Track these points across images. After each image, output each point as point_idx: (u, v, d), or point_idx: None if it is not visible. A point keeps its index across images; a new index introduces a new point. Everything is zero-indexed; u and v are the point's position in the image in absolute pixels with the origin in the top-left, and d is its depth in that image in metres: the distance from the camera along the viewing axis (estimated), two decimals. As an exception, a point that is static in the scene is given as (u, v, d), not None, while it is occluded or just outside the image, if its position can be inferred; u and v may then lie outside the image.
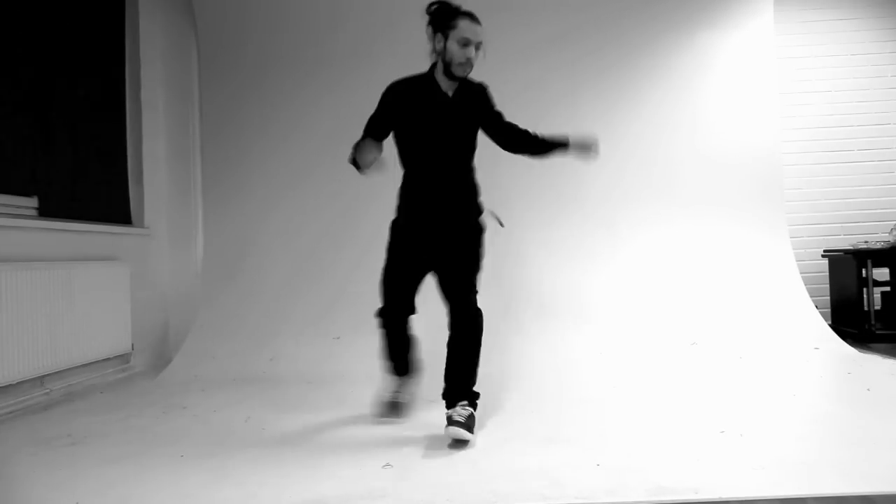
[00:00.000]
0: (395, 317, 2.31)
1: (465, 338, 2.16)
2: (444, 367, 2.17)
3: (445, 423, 2.05)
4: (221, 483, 1.74)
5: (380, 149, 2.13)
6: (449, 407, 2.11)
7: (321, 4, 4.10)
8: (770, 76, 4.13)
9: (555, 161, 4.34)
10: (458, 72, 2.14)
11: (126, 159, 3.65)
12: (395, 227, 2.32)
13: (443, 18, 2.14)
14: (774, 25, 4.18)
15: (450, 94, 2.20)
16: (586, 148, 2.30)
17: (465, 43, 2.10)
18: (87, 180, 3.29)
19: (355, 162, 2.13)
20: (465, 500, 1.57)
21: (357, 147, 2.12)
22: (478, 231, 2.28)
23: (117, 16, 3.62)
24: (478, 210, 2.30)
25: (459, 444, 2.01)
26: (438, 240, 2.22)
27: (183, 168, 4.12)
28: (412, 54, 4.10)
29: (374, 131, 2.19)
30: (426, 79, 2.21)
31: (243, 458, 1.96)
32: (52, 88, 3.05)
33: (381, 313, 2.32)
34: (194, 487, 1.71)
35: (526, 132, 2.32)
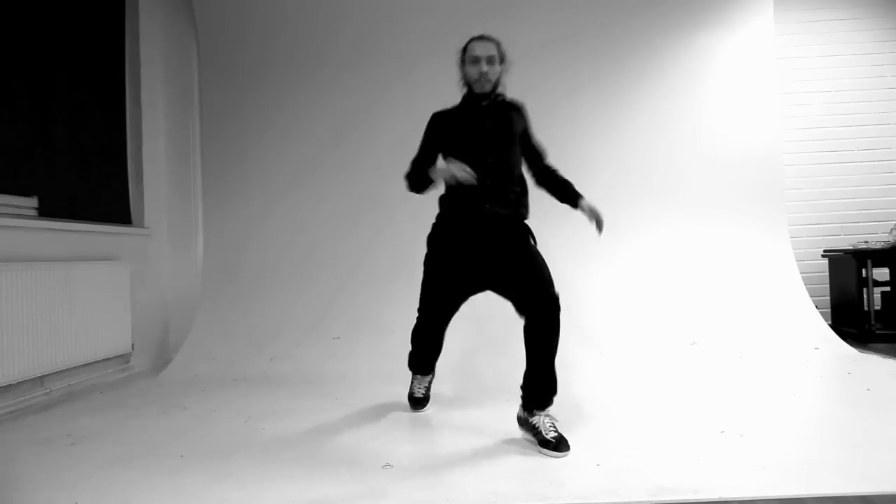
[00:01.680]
0: (435, 329, 2.43)
1: (550, 337, 2.08)
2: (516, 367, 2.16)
3: (531, 430, 2.01)
4: (221, 483, 1.74)
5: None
6: (532, 411, 2.05)
7: (321, 4, 4.10)
8: (770, 76, 4.13)
9: (555, 161, 4.33)
10: (477, 88, 2.22)
11: (126, 159, 3.65)
12: (434, 240, 2.32)
13: (461, 53, 2.27)
14: (774, 25, 4.19)
15: (483, 104, 2.25)
16: (594, 219, 2.33)
17: (475, 60, 2.20)
18: (87, 180, 3.29)
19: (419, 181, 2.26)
20: (465, 500, 1.58)
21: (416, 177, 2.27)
22: (527, 233, 2.28)
23: (117, 16, 3.62)
24: (521, 216, 2.28)
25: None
26: (490, 250, 2.20)
27: (183, 168, 4.12)
28: (413, 54, 4.12)
29: (423, 163, 2.27)
30: (461, 101, 2.30)
31: (243, 458, 1.96)
32: (52, 88, 3.06)
33: (420, 326, 2.44)
34: (194, 488, 1.71)
35: (551, 169, 2.40)
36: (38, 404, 2.75)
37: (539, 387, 2.08)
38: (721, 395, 2.66)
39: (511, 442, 2.05)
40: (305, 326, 3.68)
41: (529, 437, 2.04)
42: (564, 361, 3.29)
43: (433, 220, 2.34)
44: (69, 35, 3.20)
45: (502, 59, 2.26)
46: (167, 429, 2.34)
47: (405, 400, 2.67)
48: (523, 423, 2.09)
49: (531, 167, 2.37)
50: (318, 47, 4.10)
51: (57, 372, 2.89)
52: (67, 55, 3.18)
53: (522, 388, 2.13)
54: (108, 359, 3.28)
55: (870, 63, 4.46)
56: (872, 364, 3.22)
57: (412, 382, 2.60)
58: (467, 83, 2.25)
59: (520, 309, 2.12)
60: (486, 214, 2.18)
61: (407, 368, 2.63)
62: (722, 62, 4.13)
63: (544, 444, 1.94)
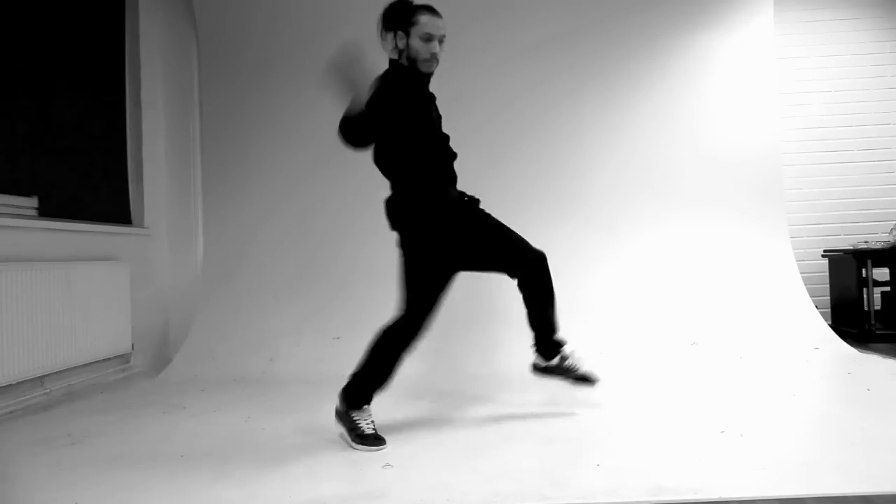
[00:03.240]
0: (421, 335, 2.08)
1: (547, 283, 2.28)
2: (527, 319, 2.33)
3: (569, 371, 2.32)
4: (221, 483, 1.74)
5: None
6: (557, 350, 2.32)
7: (322, 4, 4.09)
8: (770, 76, 4.13)
9: (555, 161, 4.35)
10: (424, 68, 2.09)
11: (126, 159, 3.65)
12: (429, 229, 2.11)
13: (401, 16, 2.07)
14: (774, 25, 4.18)
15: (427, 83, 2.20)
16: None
17: (428, 38, 2.05)
18: (87, 180, 3.29)
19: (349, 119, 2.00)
20: (465, 500, 1.57)
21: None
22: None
23: (117, 15, 3.62)
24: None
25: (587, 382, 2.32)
26: (467, 231, 2.19)
27: (183, 168, 4.12)
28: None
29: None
30: (405, 75, 2.10)
31: (243, 458, 1.96)
32: (52, 88, 3.05)
33: (411, 333, 2.06)
34: (194, 488, 1.71)
35: None
36: (38, 404, 2.75)
37: (554, 325, 2.31)
38: (721, 395, 2.66)
39: (511, 441, 2.05)
40: (305, 326, 3.68)
41: (560, 378, 2.33)
42: (564, 361, 3.30)
43: (409, 212, 2.17)
44: (69, 35, 3.20)
45: None
46: (167, 429, 2.34)
47: (404, 400, 2.67)
48: (547, 370, 2.34)
49: None
50: (318, 47, 4.08)
51: (57, 372, 2.89)
52: (67, 55, 3.18)
53: (537, 339, 2.33)
54: (108, 359, 3.28)
55: (870, 63, 4.45)
56: (872, 364, 3.22)
57: (360, 417, 2.09)
58: (410, 58, 2.07)
59: (511, 271, 2.26)
60: (462, 198, 2.23)
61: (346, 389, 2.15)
62: (722, 62, 4.12)
63: (582, 379, 2.30)
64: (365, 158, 4.38)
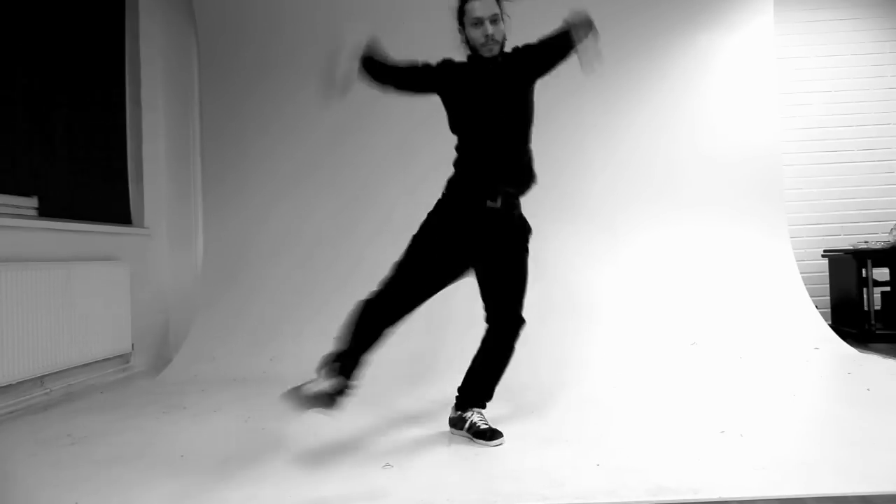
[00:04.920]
0: (396, 309, 2.04)
1: (503, 349, 2.14)
2: (467, 365, 2.20)
3: (465, 426, 2.09)
4: (221, 483, 1.74)
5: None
6: (463, 408, 2.14)
7: (321, 4, 4.09)
8: (770, 76, 4.12)
9: (556, 161, 4.33)
10: (484, 53, 2.07)
11: (126, 159, 3.65)
12: (433, 217, 2.12)
13: (458, 12, 2.11)
14: (774, 25, 4.18)
15: (490, 68, 2.13)
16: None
17: (478, 22, 2.04)
18: (87, 180, 3.29)
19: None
20: (465, 500, 1.58)
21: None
22: (524, 229, 2.15)
23: (117, 15, 3.62)
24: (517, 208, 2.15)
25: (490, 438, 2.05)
26: (484, 232, 2.06)
27: (183, 168, 4.12)
28: (413, 55, 4.10)
29: (413, 68, 2.11)
30: (468, 63, 2.16)
31: (243, 458, 1.96)
32: (52, 88, 3.06)
33: (382, 299, 2.05)
34: (194, 488, 1.71)
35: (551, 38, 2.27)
36: (38, 404, 2.75)
37: (480, 389, 2.17)
38: (721, 395, 2.66)
39: (511, 442, 2.05)
40: (305, 326, 3.67)
41: (463, 434, 2.10)
42: (565, 361, 3.30)
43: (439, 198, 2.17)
44: (69, 35, 3.20)
45: (502, 14, 2.09)
46: (167, 429, 2.34)
47: (405, 400, 2.68)
48: (456, 422, 2.15)
49: (552, 55, 2.31)
50: (318, 47, 4.08)
51: (57, 372, 2.88)
52: (67, 55, 3.18)
53: (461, 387, 2.19)
54: (108, 359, 3.28)
55: (870, 63, 4.45)
56: (872, 364, 3.22)
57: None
58: (471, 47, 2.09)
59: (487, 318, 2.17)
60: (486, 210, 2.05)
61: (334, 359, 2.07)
62: (722, 62, 4.12)
63: (479, 434, 2.04)
64: (363, 158, 4.37)
